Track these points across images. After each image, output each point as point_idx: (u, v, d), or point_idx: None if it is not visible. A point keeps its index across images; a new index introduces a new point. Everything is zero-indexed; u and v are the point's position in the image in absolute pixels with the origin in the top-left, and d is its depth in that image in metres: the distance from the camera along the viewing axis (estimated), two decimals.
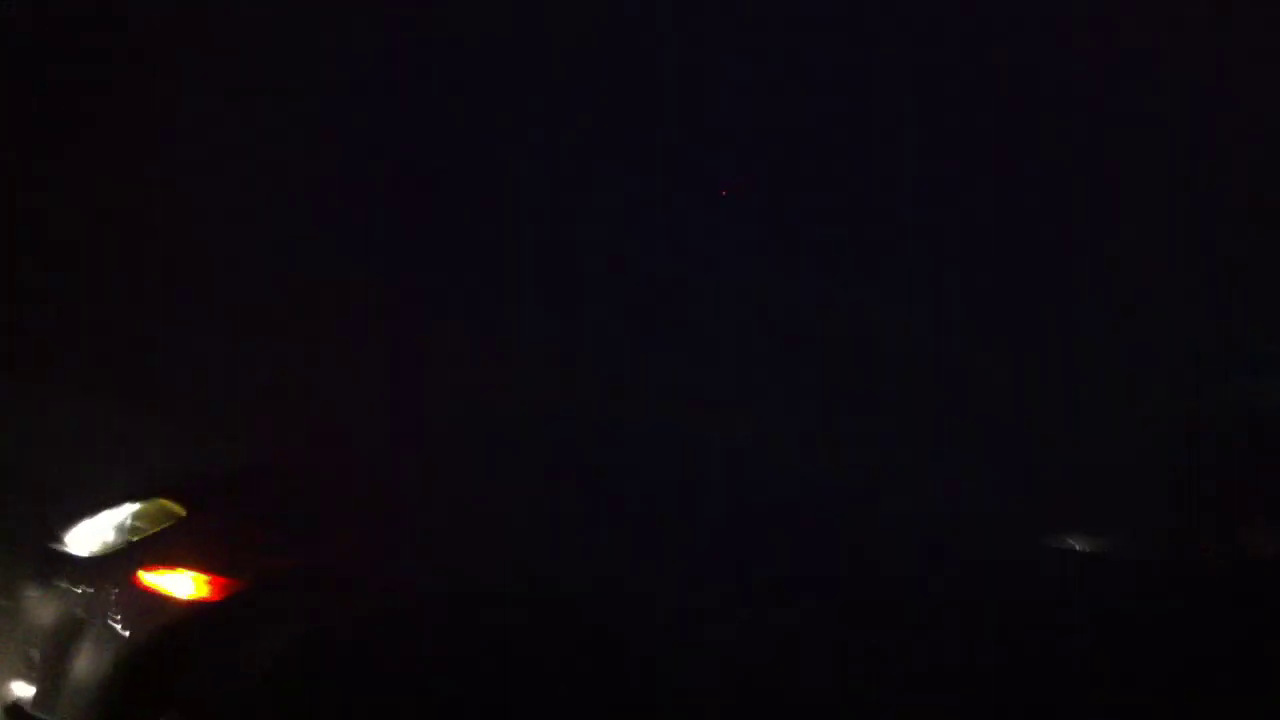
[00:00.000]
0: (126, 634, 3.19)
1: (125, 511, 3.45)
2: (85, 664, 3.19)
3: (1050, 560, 3.29)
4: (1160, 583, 3.22)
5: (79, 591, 3.30)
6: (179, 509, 3.41)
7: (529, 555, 3.25)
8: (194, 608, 3.19)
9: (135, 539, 3.36)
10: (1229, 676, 3.13)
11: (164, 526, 3.36)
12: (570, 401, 3.52)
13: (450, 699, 3.16)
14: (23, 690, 3.38)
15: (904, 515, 3.29)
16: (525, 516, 3.30)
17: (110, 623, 3.21)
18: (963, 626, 3.18)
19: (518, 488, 3.37)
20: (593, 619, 3.18)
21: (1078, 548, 3.29)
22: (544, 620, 3.18)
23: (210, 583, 3.21)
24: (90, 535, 3.43)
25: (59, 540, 3.47)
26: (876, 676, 3.16)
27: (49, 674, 3.27)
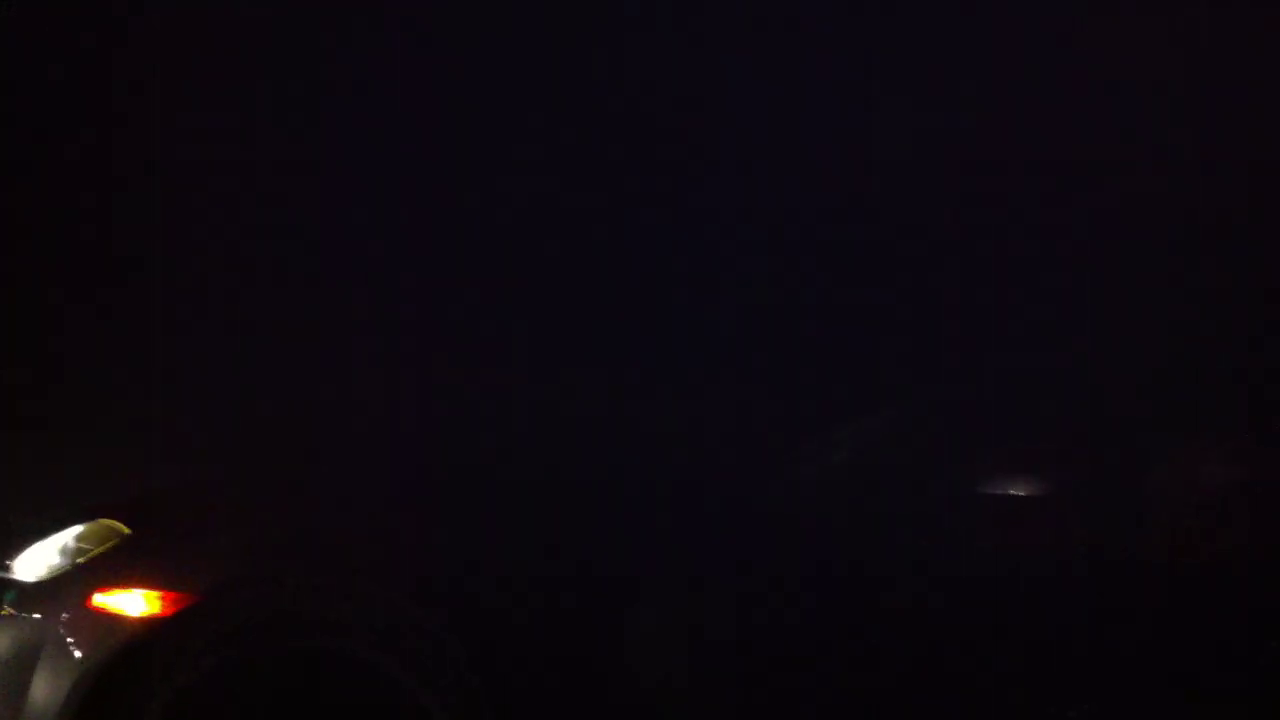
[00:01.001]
0: (82, 656, 3.20)
1: (69, 534, 3.45)
2: (42, 689, 3.20)
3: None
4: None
5: (29, 617, 3.30)
6: (122, 528, 3.42)
7: (510, 566, 3.28)
8: (148, 624, 3.21)
9: (81, 560, 3.36)
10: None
11: (109, 546, 3.38)
12: (561, 399, 3.54)
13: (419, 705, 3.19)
14: None
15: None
16: (507, 526, 3.33)
17: (64, 646, 3.22)
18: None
19: (497, 495, 3.40)
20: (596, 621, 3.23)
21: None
22: (532, 632, 3.21)
23: (161, 598, 3.22)
24: (35, 559, 3.43)
25: (3, 567, 3.46)
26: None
27: (5, 701, 3.28)
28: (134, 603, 3.22)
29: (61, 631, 3.23)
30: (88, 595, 3.24)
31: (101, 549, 3.37)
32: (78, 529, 3.45)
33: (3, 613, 3.37)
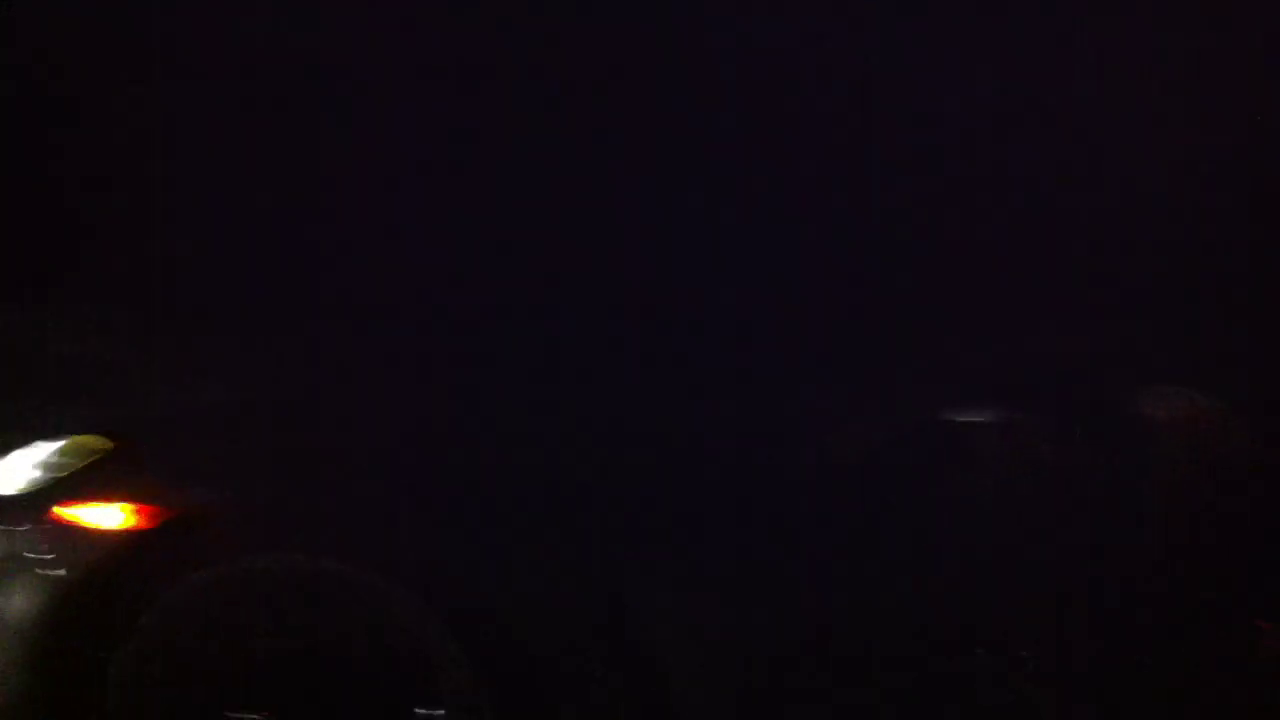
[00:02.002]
0: (65, 571, 3.14)
1: (52, 446, 3.38)
2: (21, 603, 3.14)
3: None
4: None
5: (6, 530, 3.23)
6: (105, 442, 3.34)
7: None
8: (128, 538, 3.14)
9: (63, 474, 3.28)
10: None
11: (93, 459, 3.29)
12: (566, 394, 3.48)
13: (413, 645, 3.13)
14: None
15: None
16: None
17: (45, 561, 3.15)
18: None
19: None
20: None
21: None
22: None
23: (143, 512, 3.15)
24: (16, 472, 3.35)
25: None
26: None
27: None
28: (113, 516, 3.15)
29: (39, 545, 3.16)
30: (66, 508, 3.17)
31: (84, 462, 3.29)
32: (60, 443, 3.38)
33: None
